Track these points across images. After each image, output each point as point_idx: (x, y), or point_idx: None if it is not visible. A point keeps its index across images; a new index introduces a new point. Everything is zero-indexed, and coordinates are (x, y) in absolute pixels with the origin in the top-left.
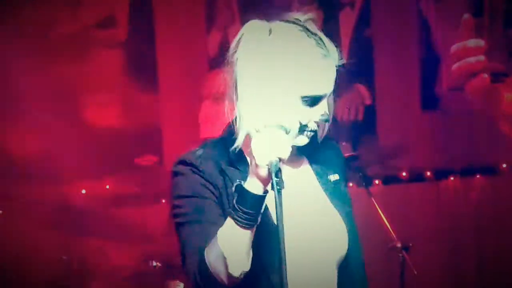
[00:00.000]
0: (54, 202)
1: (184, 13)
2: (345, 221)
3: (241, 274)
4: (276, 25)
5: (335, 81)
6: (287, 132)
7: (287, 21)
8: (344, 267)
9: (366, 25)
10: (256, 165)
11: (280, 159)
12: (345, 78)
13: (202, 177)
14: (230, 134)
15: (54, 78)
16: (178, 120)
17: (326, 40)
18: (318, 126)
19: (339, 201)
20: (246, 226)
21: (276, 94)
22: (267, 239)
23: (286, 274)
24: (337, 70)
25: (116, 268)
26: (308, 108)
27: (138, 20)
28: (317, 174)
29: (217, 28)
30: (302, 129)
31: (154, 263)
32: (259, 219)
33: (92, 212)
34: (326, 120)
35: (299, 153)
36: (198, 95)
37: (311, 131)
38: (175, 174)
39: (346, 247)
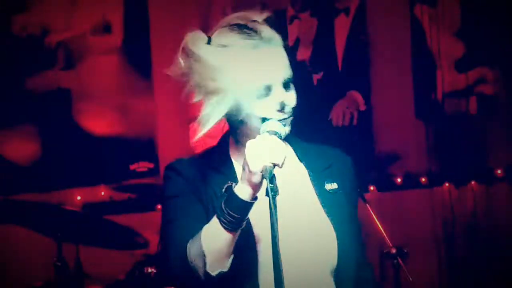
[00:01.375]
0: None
1: (179, 19)
2: (337, 231)
3: (218, 274)
4: (217, 32)
5: (286, 67)
6: (280, 138)
7: (232, 25)
8: (338, 278)
9: (361, 32)
10: (250, 171)
11: (274, 165)
12: (340, 84)
13: (185, 180)
14: (222, 143)
15: (48, 85)
16: (173, 127)
17: (262, 29)
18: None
19: (334, 210)
20: (230, 229)
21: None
22: (245, 244)
23: (283, 280)
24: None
25: (111, 274)
26: (260, 100)
27: (133, 26)
28: (313, 181)
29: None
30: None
31: (149, 270)
32: (244, 224)
33: (87, 218)
34: (282, 109)
35: (299, 159)
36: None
37: (280, 120)
38: (163, 179)
39: (336, 257)
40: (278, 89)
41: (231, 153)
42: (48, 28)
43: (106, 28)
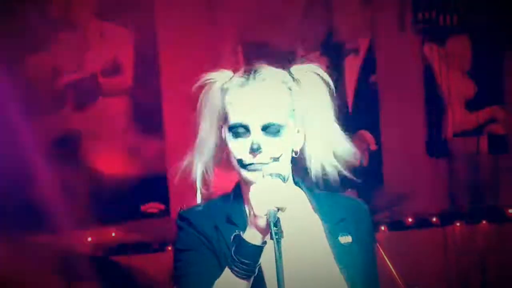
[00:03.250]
0: (59, 248)
1: (189, 59)
2: (351, 285)
3: None
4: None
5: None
6: (284, 181)
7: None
8: None
9: (371, 71)
10: (254, 215)
11: (278, 209)
12: (351, 124)
13: (197, 231)
14: (236, 190)
15: (59, 126)
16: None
17: (261, 69)
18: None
19: (348, 264)
20: (243, 276)
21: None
22: None
23: None
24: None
25: None
26: (237, 140)
27: (143, 67)
28: (328, 234)
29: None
30: (241, 163)
31: None
32: (256, 269)
33: (97, 259)
34: (253, 151)
35: (313, 210)
36: None
37: (249, 164)
38: (177, 228)
39: None
40: (255, 130)
41: (245, 201)
42: (59, 69)
43: (116, 69)
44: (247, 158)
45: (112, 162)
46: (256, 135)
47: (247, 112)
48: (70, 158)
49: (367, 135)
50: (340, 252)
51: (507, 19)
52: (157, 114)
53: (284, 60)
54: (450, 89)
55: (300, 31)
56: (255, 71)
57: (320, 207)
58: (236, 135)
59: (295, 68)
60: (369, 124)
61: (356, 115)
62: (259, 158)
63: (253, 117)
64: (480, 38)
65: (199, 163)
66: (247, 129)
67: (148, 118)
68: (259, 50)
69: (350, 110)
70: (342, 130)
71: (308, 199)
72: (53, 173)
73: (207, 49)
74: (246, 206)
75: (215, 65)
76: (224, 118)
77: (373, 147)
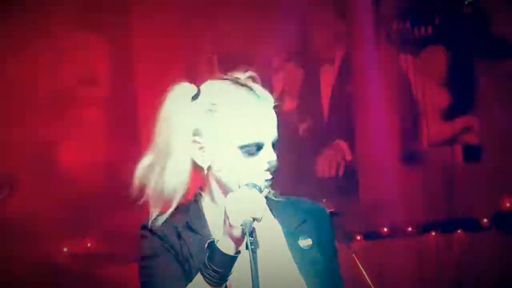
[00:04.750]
0: (35, 260)
1: (165, 70)
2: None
3: None
4: (207, 84)
5: (275, 126)
6: (260, 191)
7: (222, 78)
8: None
9: (346, 81)
10: (230, 225)
11: (254, 219)
12: (326, 134)
13: (160, 239)
14: (197, 199)
15: (35, 137)
16: None
17: (257, 88)
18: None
19: (307, 267)
20: (214, 284)
21: (215, 148)
22: None
23: None
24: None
25: None
26: (250, 157)
27: (119, 77)
28: (287, 238)
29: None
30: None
31: None
32: (229, 278)
33: (73, 271)
34: (269, 169)
35: (273, 215)
36: None
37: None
38: (140, 237)
39: None
40: (268, 148)
41: (205, 210)
42: (35, 80)
43: (93, 80)
44: (262, 175)
45: (88, 171)
46: (269, 153)
47: (262, 129)
48: (46, 167)
49: (343, 145)
50: (300, 255)
51: (481, 29)
52: (133, 123)
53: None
54: (425, 99)
55: (275, 41)
56: (251, 89)
57: (280, 212)
58: (249, 153)
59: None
60: (344, 134)
61: (331, 125)
62: (269, 174)
63: (267, 135)
64: (454, 49)
65: (177, 186)
66: (260, 146)
67: (124, 127)
68: (234, 60)
69: (325, 120)
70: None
71: (268, 205)
72: (29, 183)
73: (182, 59)
74: (207, 216)
75: (190, 74)
76: (217, 135)
77: (349, 157)
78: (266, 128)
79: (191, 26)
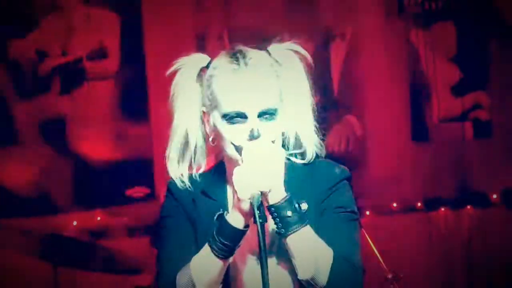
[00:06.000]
0: (45, 233)
1: (175, 44)
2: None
3: None
4: (217, 57)
5: (266, 94)
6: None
7: (227, 51)
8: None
9: (357, 56)
10: (238, 199)
11: (262, 193)
12: (336, 110)
13: (176, 201)
14: (219, 167)
15: (45, 111)
16: None
17: (250, 54)
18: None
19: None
20: (221, 256)
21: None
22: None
23: None
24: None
25: None
26: (233, 126)
27: (129, 51)
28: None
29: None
30: (238, 149)
31: None
32: (235, 251)
33: (83, 243)
34: (254, 137)
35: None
36: None
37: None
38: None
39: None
40: (252, 117)
41: (228, 178)
42: (44, 53)
43: (102, 54)
44: (246, 144)
45: (97, 146)
46: (254, 122)
47: (243, 99)
48: (56, 142)
49: (353, 120)
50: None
51: (492, 4)
52: (143, 98)
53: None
54: (435, 75)
55: (286, 16)
56: (244, 56)
57: (289, 178)
58: (232, 122)
59: (274, 48)
60: (355, 109)
61: (341, 100)
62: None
63: (250, 104)
64: (465, 24)
65: (182, 158)
66: (243, 116)
67: (134, 102)
68: (245, 35)
69: (335, 95)
70: (323, 112)
71: (292, 172)
72: (38, 157)
73: (193, 34)
74: (229, 183)
75: (201, 50)
76: (213, 105)
77: (359, 132)
78: (248, 98)
79: (202, 1)
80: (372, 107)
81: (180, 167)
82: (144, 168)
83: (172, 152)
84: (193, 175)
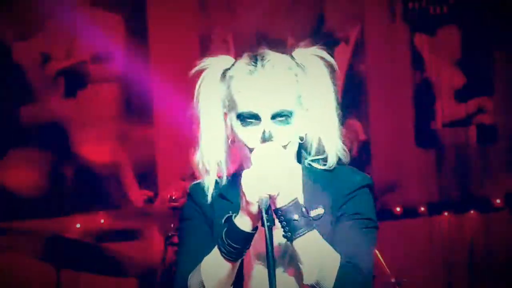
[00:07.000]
0: (48, 235)
1: (179, 48)
2: None
3: None
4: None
5: (280, 95)
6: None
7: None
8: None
9: (361, 61)
10: (246, 202)
11: (270, 196)
12: (340, 114)
13: (195, 204)
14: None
15: (48, 113)
16: (173, 155)
17: (267, 55)
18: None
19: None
20: (230, 258)
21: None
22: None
23: None
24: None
25: None
26: (247, 128)
27: (134, 54)
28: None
29: None
30: (250, 151)
31: None
32: (245, 254)
33: (86, 246)
34: (265, 139)
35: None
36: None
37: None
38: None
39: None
40: (265, 119)
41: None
42: (48, 56)
43: (106, 56)
44: (258, 147)
45: (101, 149)
46: (267, 124)
47: (257, 100)
48: (60, 145)
49: (356, 124)
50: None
51: (496, 9)
52: (147, 101)
53: (277, 47)
54: (439, 79)
55: (290, 19)
56: (262, 58)
57: (307, 183)
58: (246, 123)
59: (298, 52)
60: (358, 113)
61: (345, 104)
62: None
63: (264, 106)
64: (469, 29)
65: (211, 158)
66: (257, 117)
67: (138, 105)
68: (249, 39)
69: (339, 99)
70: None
71: (303, 177)
72: (42, 160)
73: (198, 37)
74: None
75: (205, 52)
76: (231, 106)
77: (362, 136)
78: (262, 100)
79: (207, 4)
80: (376, 112)
81: (211, 173)
82: (147, 170)
83: (205, 157)
84: (216, 179)
